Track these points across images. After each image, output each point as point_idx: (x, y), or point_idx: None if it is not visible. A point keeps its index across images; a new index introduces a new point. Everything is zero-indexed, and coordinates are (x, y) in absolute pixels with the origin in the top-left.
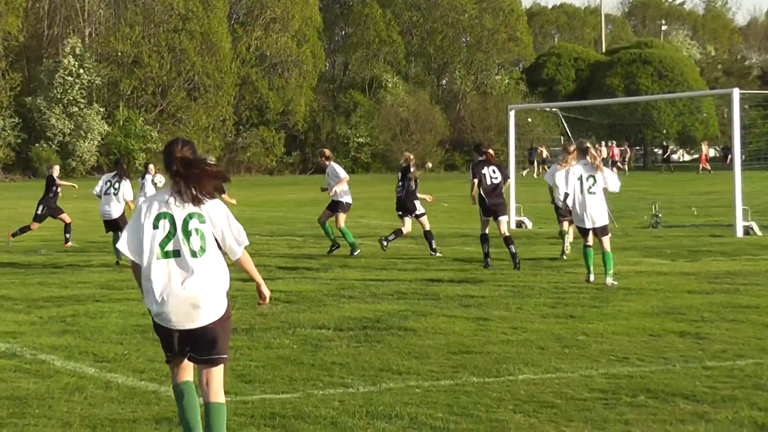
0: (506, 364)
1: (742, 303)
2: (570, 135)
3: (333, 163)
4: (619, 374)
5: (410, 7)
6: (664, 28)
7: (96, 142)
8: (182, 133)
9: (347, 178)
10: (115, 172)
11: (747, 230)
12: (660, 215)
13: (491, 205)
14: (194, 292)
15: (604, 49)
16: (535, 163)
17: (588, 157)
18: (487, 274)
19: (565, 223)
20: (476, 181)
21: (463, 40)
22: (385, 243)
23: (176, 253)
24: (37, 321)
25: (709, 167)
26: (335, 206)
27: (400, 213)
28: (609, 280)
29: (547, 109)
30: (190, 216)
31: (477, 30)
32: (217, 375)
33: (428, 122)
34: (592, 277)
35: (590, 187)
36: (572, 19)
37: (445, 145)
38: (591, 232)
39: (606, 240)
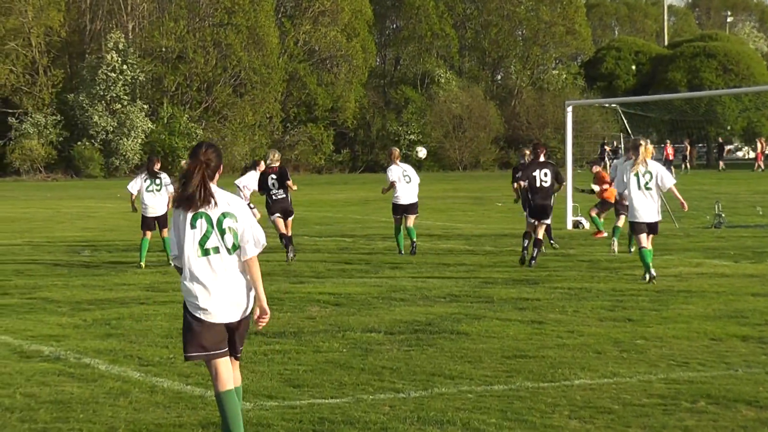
0: (562, 368)
1: None
2: (630, 131)
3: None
4: (678, 379)
5: (464, 0)
6: (729, 19)
7: (140, 140)
8: (228, 130)
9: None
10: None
11: None
12: (723, 215)
13: (537, 207)
14: (234, 287)
15: (666, 42)
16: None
17: (633, 153)
18: (542, 276)
19: (622, 217)
20: (525, 183)
21: (519, 33)
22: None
23: (215, 251)
24: (81, 324)
25: (762, 165)
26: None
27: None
28: (653, 271)
29: (606, 105)
30: (224, 215)
31: (533, 23)
32: (236, 366)
33: (482, 119)
34: (653, 272)
35: (647, 183)
36: (633, 11)
37: (500, 143)
38: (647, 232)
39: (651, 238)
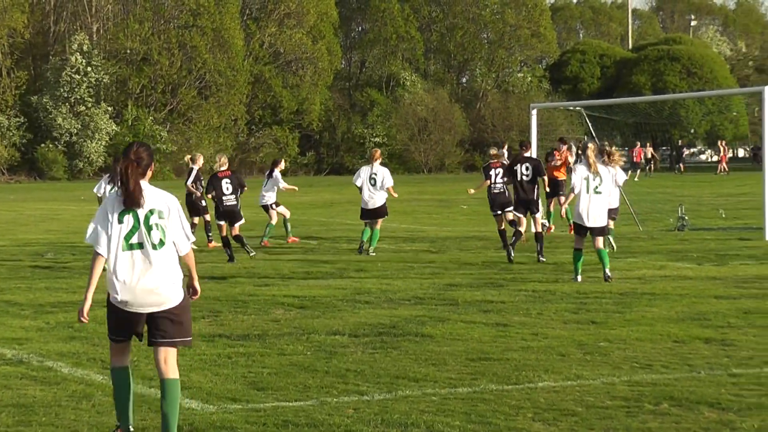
0: (526, 371)
1: None
2: (594, 134)
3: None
4: (642, 381)
5: (430, 2)
6: (693, 23)
7: (104, 143)
8: (193, 133)
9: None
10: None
11: None
12: (686, 218)
13: (520, 200)
14: (155, 280)
15: (630, 46)
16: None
17: (587, 158)
18: (507, 279)
19: (611, 221)
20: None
21: (485, 36)
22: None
23: (139, 246)
24: (44, 327)
25: (726, 168)
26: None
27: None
28: (608, 272)
29: (571, 108)
30: (151, 212)
31: (499, 26)
32: (173, 354)
33: (447, 121)
34: (579, 278)
35: (596, 187)
36: (598, 14)
37: (465, 145)
38: (586, 234)
39: (600, 240)
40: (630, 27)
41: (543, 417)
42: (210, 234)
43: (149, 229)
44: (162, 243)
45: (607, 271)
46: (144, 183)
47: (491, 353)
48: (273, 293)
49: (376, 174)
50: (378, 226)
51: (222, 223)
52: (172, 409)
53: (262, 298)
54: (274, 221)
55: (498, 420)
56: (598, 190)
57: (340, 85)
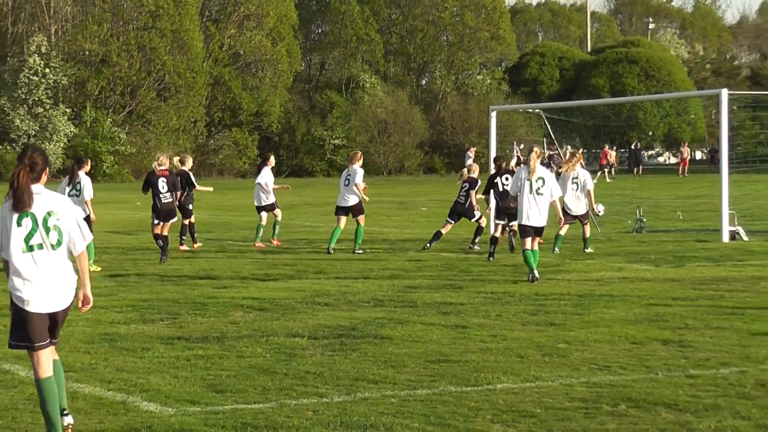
0: (485, 372)
1: (727, 310)
2: (553, 137)
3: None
4: (600, 383)
5: (389, 4)
6: (651, 26)
7: (62, 144)
8: (152, 135)
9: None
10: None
11: (733, 235)
12: (644, 219)
13: (502, 209)
14: (57, 279)
15: (589, 49)
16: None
17: (529, 160)
18: (466, 281)
19: (565, 227)
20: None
21: (444, 38)
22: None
23: (39, 247)
24: (1, 330)
25: (686, 171)
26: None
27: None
28: (536, 273)
29: (530, 110)
30: (49, 214)
31: (458, 28)
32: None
33: (407, 123)
34: (536, 273)
35: (539, 189)
36: (557, 17)
37: (425, 147)
38: (532, 234)
39: (536, 241)
40: (589, 29)
41: (502, 418)
42: (195, 235)
43: (47, 230)
44: (59, 243)
45: (535, 272)
46: (39, 186)
47: (450, 355)
48: (232, 295)
49: (350, 175)
50: (362, 222)
51: (157, 221)
52: (62, 381)
53: (221, 301)
54: (264, 222)
55: (457, 422)
56: (539, 192)
57: (299, 87)
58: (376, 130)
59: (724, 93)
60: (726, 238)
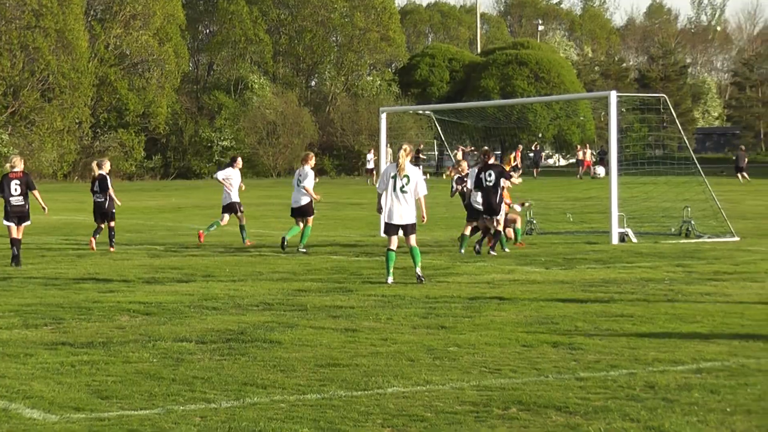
0: (375, 376)
1: (616, 312)
2: (444, 138)
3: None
4: (490, 386)
5: (278, 5)
6: (540, 28)
7: None
8: (35, 136)
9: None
10: None
11: (622, 237)
12: (535, 221)
13: (483, 204)
14: None
15: (479, 50)
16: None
17: (397, 157)
18: (356, 284)
19: (469, 228)
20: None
21: (334, 39)
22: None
23: None
24: None
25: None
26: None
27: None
28: (419, 271)
29: (420, 112)
30: None
31: (348, 29)
32: None
33: (296, 125)
34: (390, 279)
35: (403, 187)
36: (447, 18)
37: (314, 149)
38: (396, 233)
39: (413, 238)
40: (479, 31)
41: (392, 423)
42: (113, 240)
43: None
44: None
45: (418, 270)
46: None
47: (340, 359)
48: (118, 299)
49: (300, 176)
50: (310, 224)
51: (10, 224)
52: None
53: (106, 305)
54: (224, 222)
55: (347, 426)
56: (404, 190)
57: (187, 88)
58: (264, 131)
59: (613, 95)
60: (615, 240)
